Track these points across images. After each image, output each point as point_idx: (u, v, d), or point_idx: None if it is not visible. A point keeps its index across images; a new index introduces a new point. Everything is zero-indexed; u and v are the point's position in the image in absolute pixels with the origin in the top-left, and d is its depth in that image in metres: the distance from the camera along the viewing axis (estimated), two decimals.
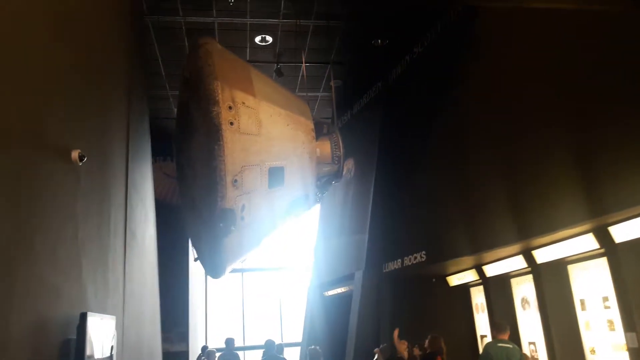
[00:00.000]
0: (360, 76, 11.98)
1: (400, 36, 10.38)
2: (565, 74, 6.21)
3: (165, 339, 13.17)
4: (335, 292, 12.30)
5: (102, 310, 5.10)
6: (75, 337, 4.06)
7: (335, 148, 8.64)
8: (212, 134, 6.82)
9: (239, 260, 7.97)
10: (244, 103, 7.20)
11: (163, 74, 11.80)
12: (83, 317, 4.06)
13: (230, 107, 6.98)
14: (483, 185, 7.67)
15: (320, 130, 8.68)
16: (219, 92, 6.95)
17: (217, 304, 17.91)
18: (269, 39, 10.60)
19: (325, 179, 8.66)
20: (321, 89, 12.65)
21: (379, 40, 10.60)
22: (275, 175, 7.50)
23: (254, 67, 8.29)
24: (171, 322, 13.28)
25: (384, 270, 10.13)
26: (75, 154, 4.42)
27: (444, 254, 8.48)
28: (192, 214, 7.99)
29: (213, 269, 7.90)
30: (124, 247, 6.33)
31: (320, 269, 13.13)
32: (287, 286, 17.87)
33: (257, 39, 10.60)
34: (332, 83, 11.99)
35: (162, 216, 12.23)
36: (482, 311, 9.53)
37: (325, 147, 8.65)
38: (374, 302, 10.36)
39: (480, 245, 7.82)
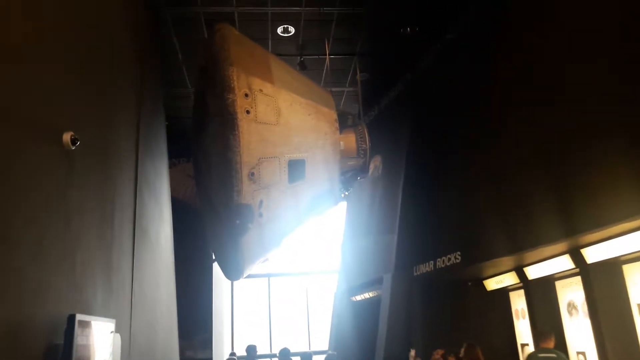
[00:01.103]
0: (387, 68, 11.37)
1: (431, 22, 9.75)
2: (615, 51, 5.50)
3: (189, 345, 12.76)
4: (363, 297, 11.66)
5: (103, 313, 4.62)
6: (62, 342, 3.57)
7: (361, 141, 8.08)
8: (227, 123, 6.35)
9: (258, 261, 7.44)
10: (261, 90, 6.71)
11: (185, 71, 11.42)
12: (71, 320, 3.56)
13: (246, 95, 6.50)
14: (524, 178, 6.95)
15: (344, 122, 8.13)
16: (235, 78, 6.48)
17: (244, 310, 17.45)
18: (292, 29, 10.10)
19: (351, 174, 8.10)
20: (347, 83, 12.10)
21: (408, 28, 10.00)
22: (295, 168, 6.98)
23: (273, 55, 7.81)
24: (194, 328, 12.85)
25: (415, 274, 9.46)
26: (67, 137, 3.95)
27: (481, 254, 7.77)
28: (208, 212, 7.52)
29: (230, 270, 7.41)
30: (132, 244, 5.87)
31: (347, 272, 12.53)
32: (315, 291, 17.25)
33: (279, 30, 10.11)
34: (358, 77, 11.41)
35: (185, 218, 11.87)
36: (523, 317, 8.77)
37: (350, 140, 8.09)
38: (404, 308, 9.71)
39: (521, 244, 7.09)
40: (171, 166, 14.74)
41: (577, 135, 5.94)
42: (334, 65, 11.25)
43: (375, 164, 11.59)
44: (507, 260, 7.82)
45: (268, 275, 17.36)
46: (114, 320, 4.47)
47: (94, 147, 4.74)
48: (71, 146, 3.97)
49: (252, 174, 6.42)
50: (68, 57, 4.28)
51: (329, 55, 10.74)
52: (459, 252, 8.12)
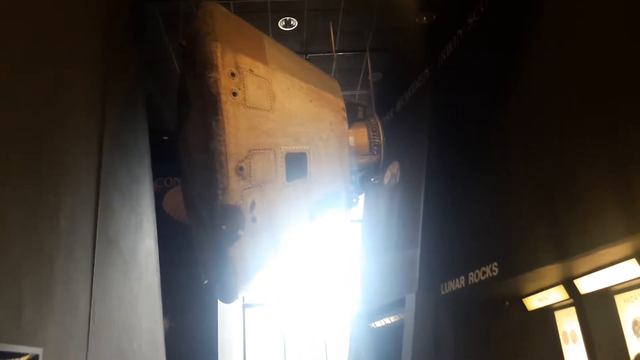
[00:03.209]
0: (403, 65, 10.26)
1: (450, 7, 8.66)
2: None
3: None
4: (384, 323, 10.31)
5: (28, 339, 3.46)
6: None
7: (374, 135, 6.92)
8: (209, 107, 5.22)
9: (254, 278, 6.22)
10: (251, 70, 5.60)
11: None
12: None
13: (232, 74, 5.39)
14: (572, 162, 5.71)
15: (353, 114, 6.99)
16: (218, 54, 5.37)
17: (258, 339, 16.05)
18: (294, 22, 9.09)
19: (363, 174, 6.91)
20: (358, 85, 11.02)
21: (424, 17, 8.92)
22: (295, 163, 5.80)
23: (267, 36, 6.76)
24: None
25: (443, 292, 8.14)
26: None
27: (523, 264, 6.47)
28: (194, 222, 6.38)
29: (221, 290, 6.20)
30: (91, 256, 4.73)
31: (364, 294, 11.19)
32: (332, 314, 15.75)
33: (281, 24, 9.12)
34: (370, 77, 10.32)
35: (185, 240, 10.75)
36: (574, 341, 7.37)
37: (361, 135, 6.94)
38: (431, 334, 8.36)
39: (570, 248, 5.79)
40: (173, 185, 13.81)
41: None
42: (343, 64, 10.20)
43: (392, 171, 10.40)
44: (553, 271, 6.51)
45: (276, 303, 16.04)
46: (39, 350, 3.30)
47: (22, 125, 3.67)
48: None
49: (241, 168, 5.28)
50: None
51: (337, 52, 9.71)
52: (495, 263, 6.82)
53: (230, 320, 13.88)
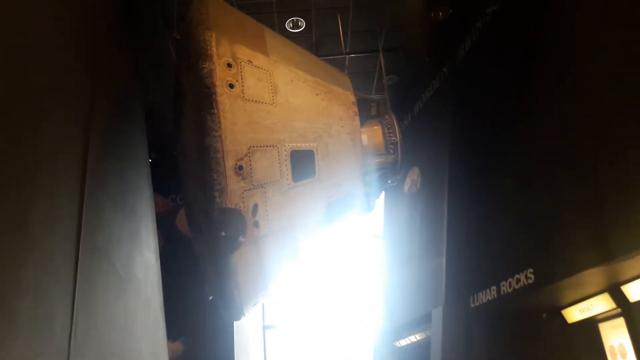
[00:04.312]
0: (419, 65, 9.72)
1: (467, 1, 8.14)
2: None
3: None
4: (409, 342, 9.59)
5: None
6: None
7: (389, 133, 6.34)
8: (203, 100, 4.70)
9: (261, 292, 5.64)
10: (250, 62, 5.10)
11: None
12: None
13: (229, 65, 4.89)
14: (619, 165, 5.06)
15: (365, 111, 6.45)
16: (213, 44, 4.88)
17: None
18: (302, 23, 8.66)
19: (379, 175, 6.32)
20: (373, 90, 10.49)
21: (439, 12, 8.40)
22: (301, 161, 5.23)
23: (269, 29, 6.27)
24: None
25: (472, 305, 7.43)
26: None
27: (562, 269, 5.76)
28: (193, 229, 5.85)
29: (225, 306, 5.61)
30: (73, 267, 4.21)
31: (387, 311, 10.49)
32: (355, 337, 15.02)
33: (288, 25, 8.69)
34: (384, 81, 9.78)
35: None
36: (623, 357, 6.58)
37: (375, 133, 6.36)
38: (460, 351, 7.65)
39: (617, 248, 5.09)
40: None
41: None
42: (355, 67, 9.72)
43: (412, 178, 9.77)
44: (597, 276, 5.80)
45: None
46: None
47: None
48: None
49: (240, 167, 4.74)
50: None
51: (348, 53, 9.25)
52: (530, 270, 6.11)
53: (248, 343, 13.21)
